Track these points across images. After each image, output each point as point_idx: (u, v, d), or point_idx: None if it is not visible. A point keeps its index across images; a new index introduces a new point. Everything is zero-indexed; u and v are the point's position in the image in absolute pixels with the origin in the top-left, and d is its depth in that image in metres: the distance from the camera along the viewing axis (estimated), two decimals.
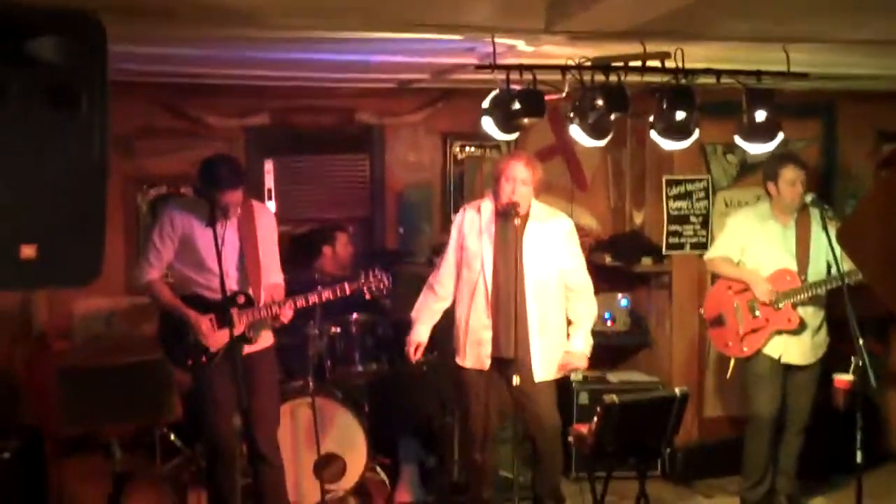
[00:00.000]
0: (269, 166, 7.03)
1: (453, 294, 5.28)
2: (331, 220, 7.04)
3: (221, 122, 6.98)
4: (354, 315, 6.03)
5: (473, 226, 5.18)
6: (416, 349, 5.31)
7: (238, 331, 4.98)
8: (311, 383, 5.80)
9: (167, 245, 5.08)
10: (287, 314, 5.09)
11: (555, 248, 5.23)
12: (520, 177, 5.07)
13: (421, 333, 5.33)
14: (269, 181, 6.95)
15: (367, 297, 5.40)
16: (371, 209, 7.43)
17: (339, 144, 7.32)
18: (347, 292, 5.26)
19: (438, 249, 6.44)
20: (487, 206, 5.23)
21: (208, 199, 4.86)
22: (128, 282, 6.15)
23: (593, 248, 7.33)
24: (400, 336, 5.85)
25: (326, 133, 7.21)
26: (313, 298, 5.18)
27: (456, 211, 6.78)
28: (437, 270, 5.40)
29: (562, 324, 5.32)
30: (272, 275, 5.24)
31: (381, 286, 5.34)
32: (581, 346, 5.30)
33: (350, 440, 6.02)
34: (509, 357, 4.99)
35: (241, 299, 5.11)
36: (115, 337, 6.70)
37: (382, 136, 7.37)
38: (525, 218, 5.14)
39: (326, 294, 5.20)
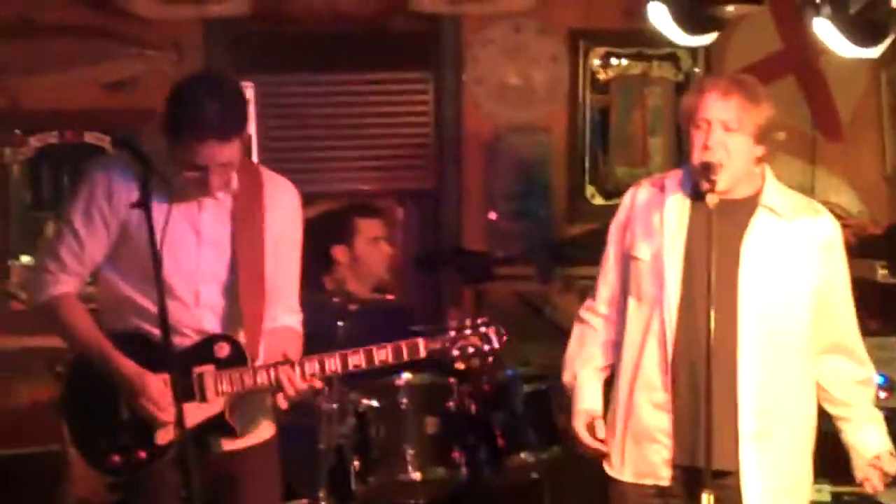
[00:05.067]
0: (247, 94, 5.52)
1: (614, 333, 4.76)
2: (360, 192, 6.69)
3: (161, 12, 6.37)
4: (405, 375, 5.35)
5: (650, 218, 4.62)
6: (591, 428, 4.58)
7: (210, 410, 4.32)
8: None
9: (97, 233, 4.35)
10: (298, 386, 4.35)
11: (804, 267, 4.45)
12: (717, 116, 4.32)
13: (590, 398, 4.66)
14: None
15: (461, 366, 4.77)
16: (437, 175, 6.84)
17: (378, 54, 6.67)
18: (421, 354, 4.52)
19: (563, 251, 6.44)
20: (675, 184, 4.57)
21: (170, 154, 4.26)
22: None
23: (853, 250, 5.90)
24: (497, 412, 5.39)
25: (353, 33, 6.61)
26: (356, 360, 4.46)
27: (595, 180, 6.67)
28: (594, 293, 4.80)
29: (807, 408, 4.52)
30: (281, 308, 4.57)
31: (494, 350, 4.60)
32: (882, 440, 4.64)
33: None
34: (702, 466, 4.20)
35: (224, 350, 4.41)
36: None
37: (458, 38, 6.69)
38: (751, 204, 4.44)
39: (382, 355, 4.49)
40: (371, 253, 5.81)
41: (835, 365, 4.64)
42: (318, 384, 4.55)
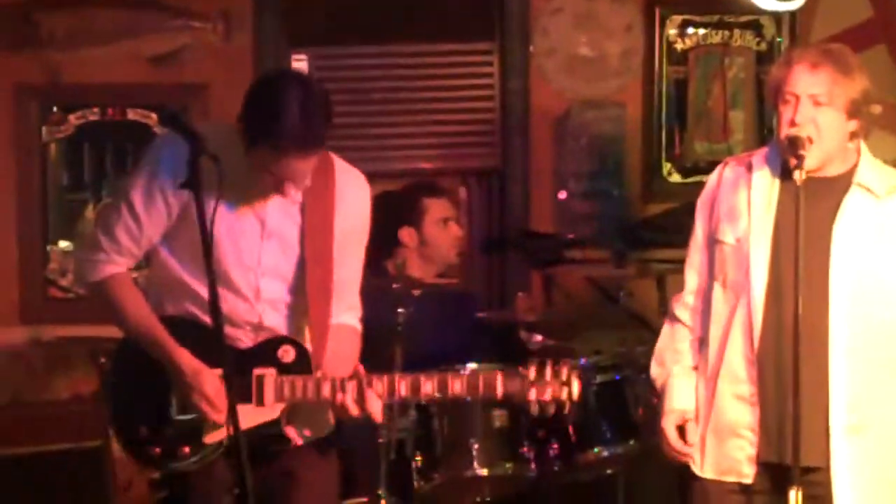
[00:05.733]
0: (300, 67, 6.50)
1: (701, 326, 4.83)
2: (420, 171, 6.70)
3: None
4: (470, 365, 5.33)
5: (736, 199, 4.70)
6: (683, 431, 4.62)
7: (265, 415, 4.41)
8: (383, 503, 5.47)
9: (157, 216, 4.42)
10: (374, 408, 4.44)
11: None
12: (805, 89, 4.35)
13: (683, 397, 4.69)
14: None
15: (535, 411, 4.67)
16: (502, 152, 6.82)
17: (439, 23, 6.75)
18: (498, 393, 4.57)
19: (638, 233, 6.46)
20: (762, 162, 4.64)
21: (245, 154, 4.32)
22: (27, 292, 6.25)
23: None
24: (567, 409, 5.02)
25: (413, 2, 6.73)
26: (428, 388, 4.53)
27: (672, 157, 6.79)
28: (683, 282, 4.93)
29: None
30: (343, 305, 4.64)
31: (572, 399, 4.59)
32: None
33: None
34: (788, 463, 4.25)
35: (289, 354, 4.49)
36: (5, 405, 6.25)
37: (525, 7, 6.72)
38: (844, 182, 4.48)
39: (455, 386, 4.53)
40: (440, 235, 5.89)
41: None
42: (379, 417, 4.55)
